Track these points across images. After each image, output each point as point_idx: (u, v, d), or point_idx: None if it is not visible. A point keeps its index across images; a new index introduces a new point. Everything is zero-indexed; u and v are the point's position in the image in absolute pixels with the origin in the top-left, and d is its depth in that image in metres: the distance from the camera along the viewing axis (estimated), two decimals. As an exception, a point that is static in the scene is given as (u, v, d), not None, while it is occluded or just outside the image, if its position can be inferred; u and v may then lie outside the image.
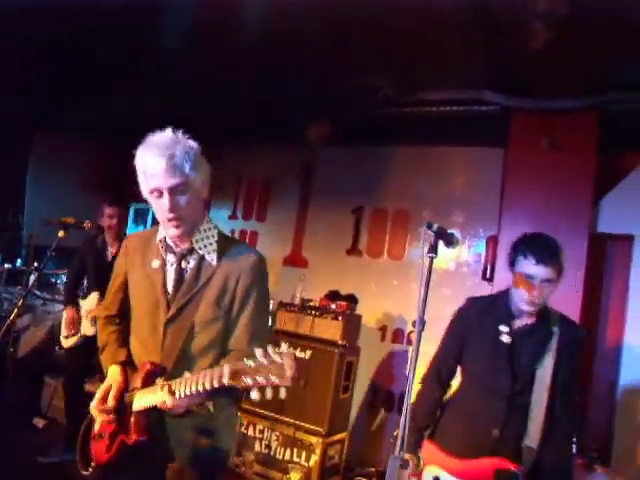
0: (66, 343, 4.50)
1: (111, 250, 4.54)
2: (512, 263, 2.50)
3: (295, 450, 4.47)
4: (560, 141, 4.25)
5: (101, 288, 4.28)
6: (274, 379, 1.50)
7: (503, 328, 2.47)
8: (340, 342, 4.52)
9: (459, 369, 2.69)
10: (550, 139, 4.20)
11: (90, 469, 2.08)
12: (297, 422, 4.50)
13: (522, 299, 2.41)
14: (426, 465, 2.55)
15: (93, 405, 2.02)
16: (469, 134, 4.95)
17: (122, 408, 2.01)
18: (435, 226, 2.08)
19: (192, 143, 1.99)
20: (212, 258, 2.03)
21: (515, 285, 2.46)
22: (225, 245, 2.07)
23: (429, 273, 2.06)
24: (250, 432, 4.66)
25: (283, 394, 1.54)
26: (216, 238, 2.07)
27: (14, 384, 4.56)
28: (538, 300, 2.40)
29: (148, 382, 1.95)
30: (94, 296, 4.46)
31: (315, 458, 4.37)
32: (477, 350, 2.56)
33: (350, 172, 5.58)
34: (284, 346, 1.56)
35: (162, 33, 4.18)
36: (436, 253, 2.07)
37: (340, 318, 4.57)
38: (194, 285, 2.02)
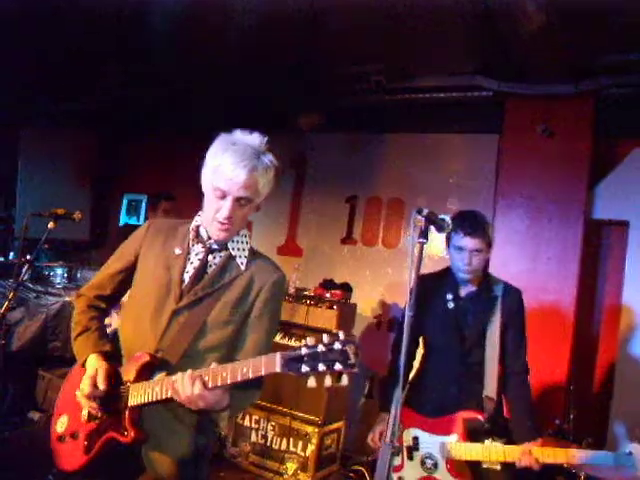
0: None
1: None
2: (447, 241, 2.79)
3: (291, 440, 4.45)
4: (555, 127, 4.24)
5: None
6: (338, 366, 1.43)
7: (449, 296, 2.81)
8: (335, 331, 4.47)
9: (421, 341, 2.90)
10: (544, 125, 4.17)
11: (51, 477, 1.99)
12: (293, 412, 4.48)
13: (458, 269, 2.75)
14: (405, 428, 2.80)
15: (82, 393, 1.88)
16: (463, 120, 4.93)
17: (111, 402, 1.90)
18: (425, 211, 2.09)
19: (274, 161, 1.96)
20: (242, 262, 2.00)
21: (451, 258, 2.79)
22: (254, 255, 2.06)
23: (419, 259, 2.08)
24: (246, 422, 4.65)
25: (345, 381, 1.46)
26: (248, 246, 2.06)
27: (7, 378, 4.51)
28: (470, 268, 2.70)
29: (144, 375, 1.87)
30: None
31: (311, 448, 4.36)
32: (429, 318, 2.79)
33: (344, 160, 5.54)
34: (341, 333, 1.50)
35: (148, 23, 4.13)
36: (426, 238, 2.09)
37: (335, 307, 4.55)
38: (216, 282, 1.97)
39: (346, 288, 4.81)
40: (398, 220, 5.28)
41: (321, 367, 1.45)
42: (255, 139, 1.93)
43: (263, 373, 1.57)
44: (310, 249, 5.69)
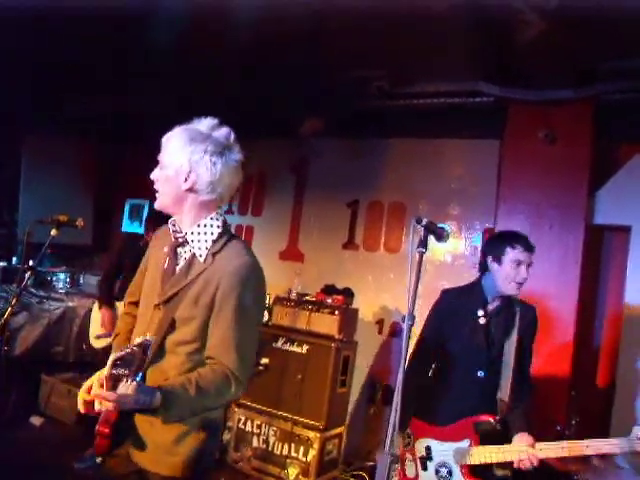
0: (97, 343, 4.44)
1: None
2: (498, 257, 2.85)
3: (293, 445, 4.46)
4: (556, 132, 4.23)
5: None
6: (125, 371, 1.68)
7: (480, 312, 2.89)
8: (337, 336, 4.51)
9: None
10: (546, 131, 4.17)
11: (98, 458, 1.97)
12: (295, 417, 4.50)
13: (512, 282, 2.81)
14: (417, 439, 2.87)
15: (79, 400, 1.92)
16: (464, 126, 4.92)
17: None
18: (425, 220, 2.12)
19: (198, 135, 1.96)
20: (201, 255, 1.97)
21: (502, 273, 2.82)
22: (223, 245, 1.99)
23: (419, 268, 2.09)
24: (248, 427, 4.66)
25: (131, 390, 1.69)
26: (214, 237, 1.99)
27: (10, 383, 4.53)
28: (525, 281, 2.82)
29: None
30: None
31: (313, 453, 4.37)
32: (456, 333, 2.90)
33: (345, 165, 5.54)
34: (150, 337, 1.71)
35: (149, 33, 4.14)
36: (426, 248, 2.12)
37: (337, 312, 4.56)
38: (183, 279, 1.98)
39: (348, 293, 4.82)
40: (400, 225, 5.28)
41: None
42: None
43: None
44: (312, 254, 5.70)
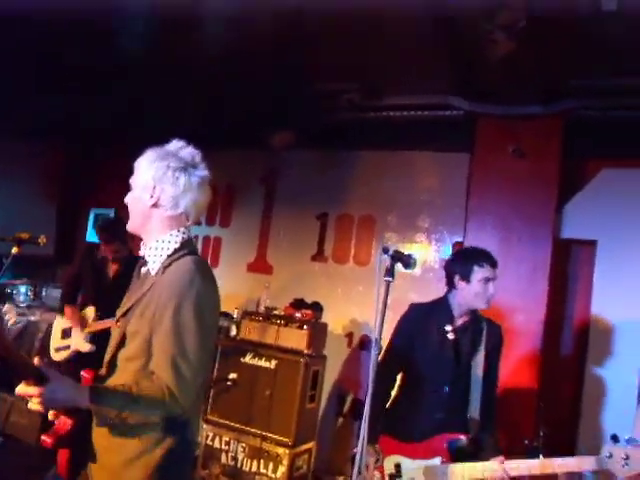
0: (57, 356, 4.31)
1: (111, 266, 4.36)
2: (465, 276, 2.87)
3: (262, 461, 4.40)
4: (525, 147, 4.27)
5: (99, 305, 4.17)
6: None
7: (448, 327, 2.93)
8: (306, 351, 4.46)
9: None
10: (515, 146, 4.20)
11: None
12: (264, 433, 4.42)
13: (482, 299, 2.86)
14: (386, 456, 2.83)
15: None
16: (434, 139, 4.94)
17: None
18: (391, 250, 2.20)
19: (161, 154, 2.00)
20: (153, 269, 1.97)
21: (472, 291, 2.86)
22: (176, 259, 1.94)
23: (385, 298, 2.16)
24: (216, 444, 4.58)
25: None
26: (170, 251, 1.96)
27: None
28: (493, 297, 2.87)
29: None
30: (90, 311, 4.26)
31: (282, 469, 4.31)
32: (424, 347, 2.94)
33: (315, 177, 5.52)
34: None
35: (123, 34, 4.06)
36: (393, 277, 2.18)
37: (305, 327, 4.51)
38: (136, 295, 1.98)
39: (317, 308, 4.77)
40: (369, 238, 5.27)
41: None
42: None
43: None
44: (280, 266, 5.65)
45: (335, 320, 5.10)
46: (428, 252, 5.02)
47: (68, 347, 4.25)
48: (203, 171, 2.02)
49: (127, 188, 2.05)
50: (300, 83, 4.52)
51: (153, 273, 1.97)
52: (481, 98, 4.31)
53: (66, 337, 4.28)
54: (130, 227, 2.06)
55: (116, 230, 4.25)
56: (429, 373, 2.92)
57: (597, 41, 3.28)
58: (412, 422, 2.89)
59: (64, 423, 1.88)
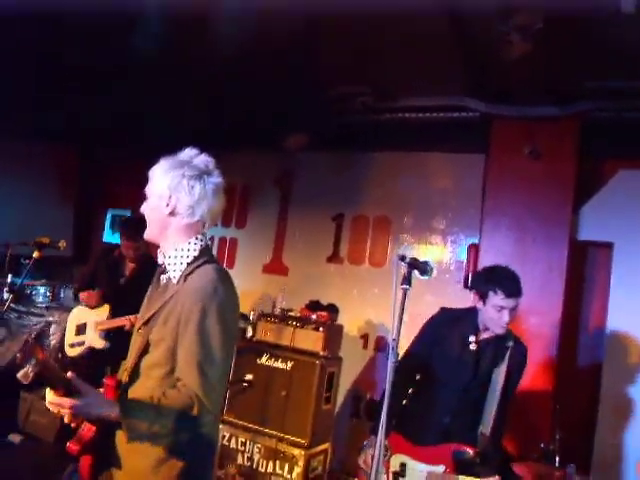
0: (71, 352, 4.35)
1: (128, 265, 4.42)
2: (482, 296, 2.86)
3: (278, 462, 4.42)
4: (541, 148, 4.24)
5: (114, 303, 4.19)
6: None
7: (471, 338, 2.92)
8: (321, 353, 4.47)
9: None
10: (531, 147, 4.18)
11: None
12: (279, 434, 4.45)
13: (496, 325, 2.83)
14: (393, 454, 2.86)
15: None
16: (450, 140, 4.93)
17: None
18: (408, 258, 2.20)
19: (176, 163, 2.03)
20: (174, 277, 2.00)
21: (487, 313, 2.84)
22: (196, 267, 1.98)
23: (402, 305, 2.14)
24: (232, 444, 4.60)
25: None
26: (189, 259, 2.00)
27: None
28: (508, 324, 2.83)
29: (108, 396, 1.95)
30: (105, 308, 4.27)
31: (298, 470, 4.33)
32: (446, 353, 2.94)
33: (330, 178, 5.53)
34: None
35: (134, 36, 4.08)
36: (410, 284, 2.18)
37: (321, 329, 4.52)
38: (159, 302, 2.01)
39: (332, 310, 4.79)
40: (384, 239, 5.27)
41: None
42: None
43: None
44: (296, 268, 5.67)
45: (350, 321, 5.12)
46: (443, 253, 5.02)
47: (82, 343, 4.29)
48: (217, 178, 2.05)
49: (143, 189, 2.09)
50: (315, 85, 4.52)
51: (175, 282, 2.00)
52: (497, 100, 4.29)
53: (80, 333, 4.32)
54: (148, 236, 2.09)
55: (139, 228, 4.29)
56: (443, 377, 2.93)
57: (613, 42, 3.26)
58: (421, 423, 2.92)
59: (88, 429, 1.90)
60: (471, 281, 3.06)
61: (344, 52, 3.89)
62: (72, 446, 1.87)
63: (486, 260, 4.37)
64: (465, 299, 4.27)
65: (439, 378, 2.94)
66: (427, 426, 2.90)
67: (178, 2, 3.48)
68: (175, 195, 1.98)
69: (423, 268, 2.21)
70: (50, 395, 1.75)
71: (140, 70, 4.60)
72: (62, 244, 3.36)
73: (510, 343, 2.92)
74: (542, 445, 3.67)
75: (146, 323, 2.02)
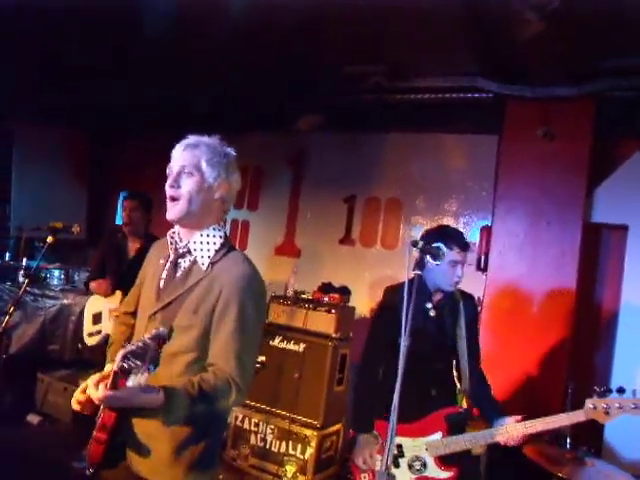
0: (90, 341, 4.41)
1: (131, 246, 4.40)
2: (434, 255, 2.69)
3: (290, 443, 4.47)
4: (555, 129, 4.18)
5: (123, 287, 4.21)
6: (137, 363, 1.70)
7: (428, 305, 2.91)
8: (334, 335, 4.50)
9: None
10: (545, 129, 4.13)
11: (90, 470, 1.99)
12: (292, 415, 4.49)
13: (449, 282, 2.83)
14: (385, 439, 2.71)
15: (73, 398, 1.96)
16: (463, 121, 4.87)
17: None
18: (420, 243, 2.22)
19: (225, 149, 2.07)
20: (203, 263, 2.01)
21: (440, 271, 2.80)
22: (224, 255, 2.03)
23: (417, 289, 2.13)
24: (245, 425, 4.66)
25: (143, 380, 1.72)
26: (217, 247, 2.04)
27: (6, 381, 4.51)
28: (460, 280, 2.84)
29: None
30: (117, 295, 4.35)
31: (310, 451, 4.38)
32: (409, 328, 2.82)
33: (342, 160, 5.51)
34: (163, 329, 1.75)
35: (143, 23, 4.06)
36: (422, 270, 2.23)
37: (333, 311, 4.54)
38: (180, 287, 2.01)
39: (344, 292, 4.80)
40: (397, 221, 5.26)
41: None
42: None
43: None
44: (308, 249, 5.68)
45: (362, 303, 5.13)
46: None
47: (100, 332, 4.35)
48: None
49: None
50: (328, 65, 4.49)
51: (203, 268, 2.01)
52: (511, 80, 4.23)
53: (97, 322, 4.38)
54: (185, 212, 2.00)
55: (143, 199, 4.37)
56: (416, 351, 2.82)
57: (629, 20, 3.19)
58: (408, 403, 2.86)
59: (108, 416, 1.87)
60: (423, 244, 2.62)
61: (358, 31, 3.85)
62: (101, 435, 1.86)
63: (499, 242, 4.36)
64: (477, 281, 4.31)
65: (411, 355, 2.89)
66: (416, 402, 2.81)
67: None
68: (228, 182, 2.04)
69: (435, 253, 2.26)
70: (93, 390, 1.77)
71: (154, 53, 4.59)
72: (76, 228, 3.38)
73: (458, 297, 2.96)
74: (554, 427, 3.67)
75: (163, 308, 2.01)
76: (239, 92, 5.17)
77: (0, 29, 4.28)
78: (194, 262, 2.03)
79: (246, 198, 6.12)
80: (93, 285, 4.40)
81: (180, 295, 1.99)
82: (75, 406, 1.94)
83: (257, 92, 5.13)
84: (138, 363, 1.70)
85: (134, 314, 2.25)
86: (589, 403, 2.61)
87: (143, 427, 1.95)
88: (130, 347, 1.72)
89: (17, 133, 6.38)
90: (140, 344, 1.71)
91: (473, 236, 4.92)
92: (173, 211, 2.00)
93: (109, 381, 1.74)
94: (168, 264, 2.08)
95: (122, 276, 4.28)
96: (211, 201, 2.03)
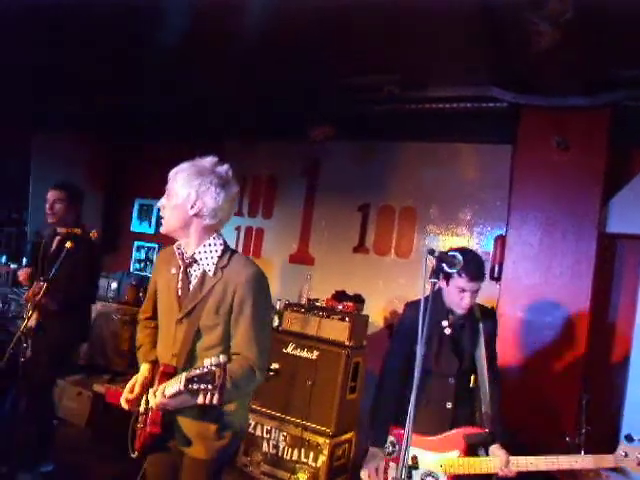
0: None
1: (56, 239, 4.09)
2: (446, 276, 2.80)
3: (303, 450, 4.48)
4: (570, 139, 4.18)
5: (45, 278, 3.75)
6: (206, 386, 1.97)
7: (444, 323, 2.94)
8: (347, 343, 4.51)
9: None
10: (560, 138, 4.13)
11: (135, 453, 2.39)
12: (305, 422, 4.50)
13: (458, 306, 2.86)
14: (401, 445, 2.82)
15: (122, 397, 2.38)
16: (477, 130, 4.88)
17: (147, 403, 2.35)
18: (437, 252, 2.28)
19: (204, 173, 2.29)
20: (210, 270, 2.33)
21: (449, 294, 2.87)
22: (227, 259, 2.35)
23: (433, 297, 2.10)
24: (258, 432, 4.67)
25: (215, 400, 2.00)
26: (219, 253, 2.35)
27: (21, 386, 4.56)
28: (469, 306, 2.85)
29: (162, 382, 2.27)
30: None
31: (323, 458, 4.39)
32: (426, 345, 2.88)
33: (356, 168, 5.53)
34: (222, 357, 1.99)
35: (158, 29, 4.11)
36: (439, 278, 2.31)
37: (347, 319, 4.55)
38: (198, 293, 2.34)
39: (358, 300, 4.81)
40: (411, 229, 5.26)
41: (196, 386, 1.99)
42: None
43: (180, 388, 2.07)
44: (322, 257, 5.69)
45: (376, 312, 5.13)
46: (469, 245, 4.97)
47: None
48: (235, 187, 2.37)
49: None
50: (342, 74, 4.52)
51: (211, 274, 2.33)
52: (525, 90, 4.24)
53: None
54: (166, 228, 2.37)
55: (70, 189, 4.15)
56: (433, 367, 2.92)
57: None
58: (424, 414, 2.87)
59: (156, 414, 2.25)
60: (437, 261, 2.90)
61: (372, 41, 3.88)
62: (153, 429, 2.25)
63: (513, 252, 4.36)
64: (491, 290, 4.30)
65: (428, 368, 2.88)
66: (430, 417, 2.90)
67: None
68: (202, 199, 2.27)
69: (451, 262, 2.28)
70: (153, 398, 2.21)
71: (169, 62, 4.64)
72: (93, 234, 3.43)
73: (478, 314, 2.97)
74: (567, 438, 3.64)
75: (188, 314, 2.33)
76: (253, 101, 5.22)
77: (17, 39, 4.37)
78: (204, 271, 2.35)
79: (261, 206, 6.15)
80: (18, 273, 4.31)
81: (200, 301, 2.32)
82: (124, 405, 2.37)
83: (271, 102, 5.18)
84: (209, 387, 1.98)
85: (152, 318, 2.62)
86: (621, 450, 2.54)
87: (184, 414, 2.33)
88: (194, 372, 2.01)
89: (35, 141, 6.47)
90: (205, 370, 1.98)
91: (487, 245, 4.92)
92: (161, 227, 2.39)
93: (169, 391, 2.14)
94: (180, 274, 2.39)
95: (42, 268, 4.03)
96: (187, 218, 2.30)
